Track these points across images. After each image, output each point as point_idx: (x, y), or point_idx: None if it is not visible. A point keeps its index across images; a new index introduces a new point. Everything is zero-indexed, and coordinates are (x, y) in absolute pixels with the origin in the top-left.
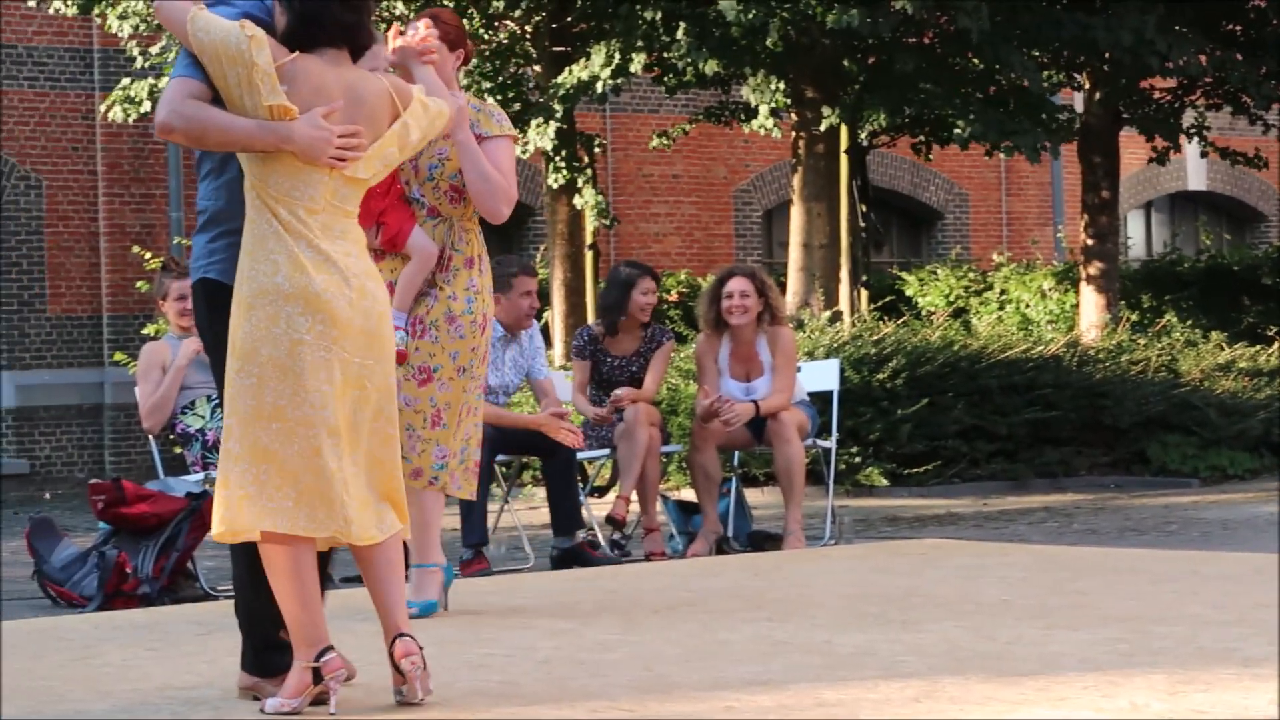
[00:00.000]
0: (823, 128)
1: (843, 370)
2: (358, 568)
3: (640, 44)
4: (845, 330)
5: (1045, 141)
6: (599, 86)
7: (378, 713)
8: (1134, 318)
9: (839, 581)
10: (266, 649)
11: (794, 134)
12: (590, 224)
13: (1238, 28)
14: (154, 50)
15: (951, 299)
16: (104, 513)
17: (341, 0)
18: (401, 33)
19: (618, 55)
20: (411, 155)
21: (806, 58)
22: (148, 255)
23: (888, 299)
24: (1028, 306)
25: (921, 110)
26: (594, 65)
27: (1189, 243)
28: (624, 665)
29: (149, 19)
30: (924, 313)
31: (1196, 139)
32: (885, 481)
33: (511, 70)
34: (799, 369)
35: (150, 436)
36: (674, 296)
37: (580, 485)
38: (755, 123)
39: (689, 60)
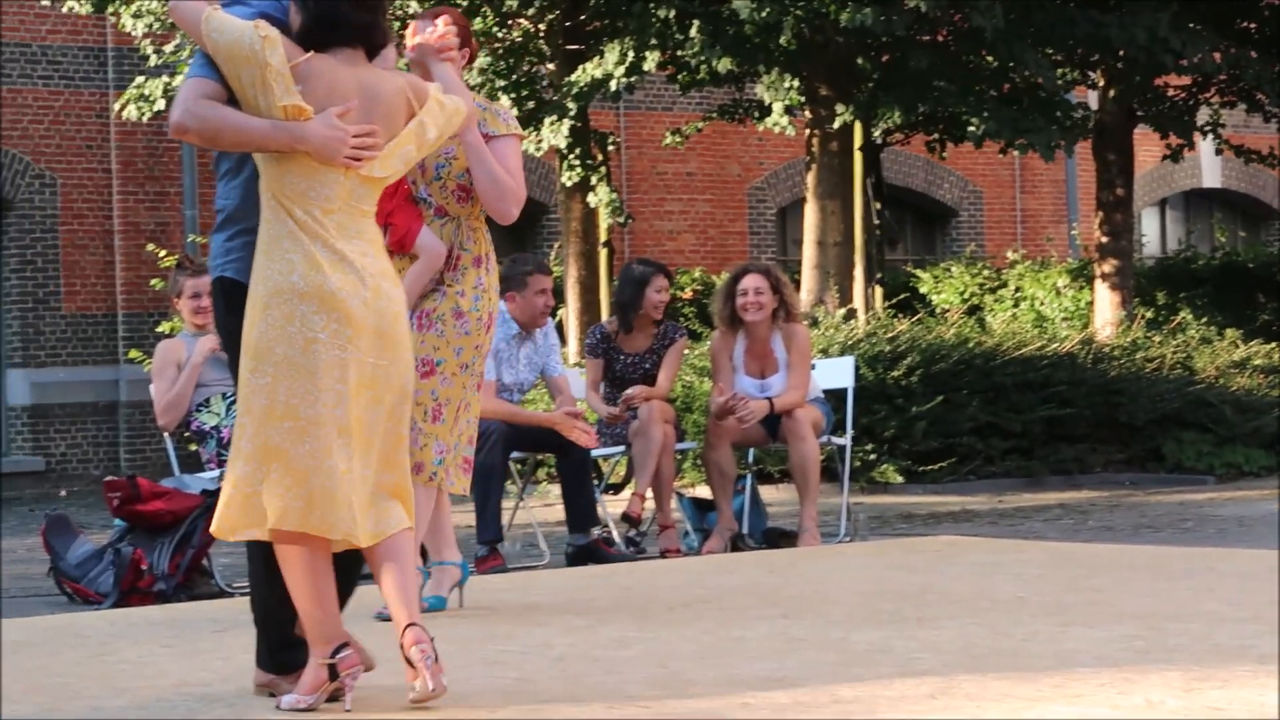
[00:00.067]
0: (837, 125)
1: (857, 367)
2: (368, 565)
3: (654, 42)
4: (860, 328)
5: (1059, 139)
6: (613, 84)
7: (393, 710)
8: (1149, 315)
9: (854, 578)
10: (282, 646)
11: (808, 132)
12: (604, 222)
13: (1252, 25)
14: (168, 49)
15: (966, 296)
16: (119, 510)
17: (356, 0)
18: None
19: (631, 53)
20: (429, 153)
21: (820, 55)
22: (162, 253)
23: (902, 296)
24: (1042, 304)
25: (935, 108)
26: (608, 63)
27: (1204, 240)
28: (639, 662)
29: (163, 17)
30: (938, 310)
31: (1211, 136)
32: (900, 478)
33: (525, 68)
34: (814, 366)
35: (165, 434)
36: (688, 294)
37: (595, 482)
38: (769, 120)
39: (703, 58)
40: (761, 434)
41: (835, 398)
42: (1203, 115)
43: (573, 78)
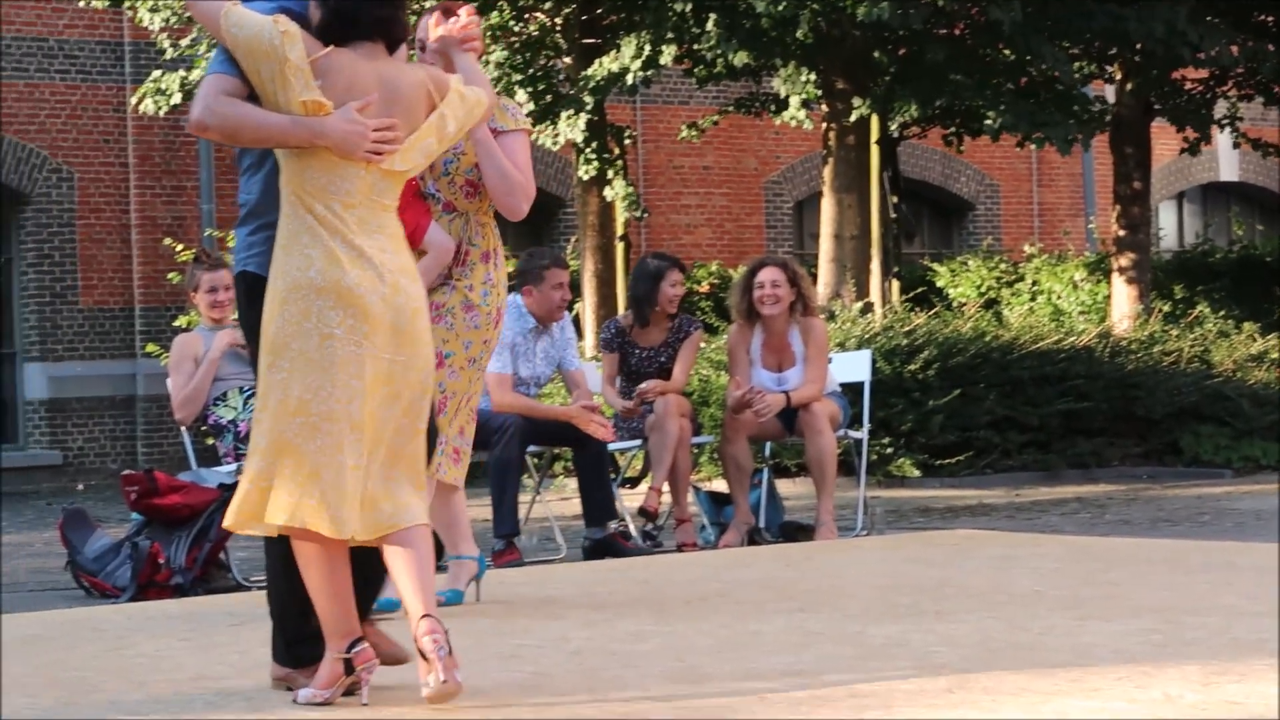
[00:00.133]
0: (853, 119)
1: (874, 361)
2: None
3: (670, 36)
4: (876, 321)
5: (1077, 133)
6: (629, 78)
7: (409, 704)
8: (1166, 308)
9: (871, 572)
10: (298, 640)
11: (825, 125)
12: (621, 216)
13: (1269, 19)
14: (184, 42)
15: (983, 290)
16: (137, 504)
17: None
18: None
19: (648, 47)
20: (450, 146)
21: (837, 49)
22: (179, 247)
23: (919, 290)
24: (1059, 297)
25: (952, 101)
26: (624, 57)
27: (1221, 233)
28: (656, 656)
29: (179, 11)
30: (955, 304)
31: (1228, 130)
32: (917, 472)
33: (542, 62)
34: (830, 360)
35: (182, 428)
36: (705, 288)
37: (612, 476)
38: (786, 114)
39: (719, 52)
40: (778, 428)
41: (852, 391)
42: (1220, 108)
43: (589, 72)
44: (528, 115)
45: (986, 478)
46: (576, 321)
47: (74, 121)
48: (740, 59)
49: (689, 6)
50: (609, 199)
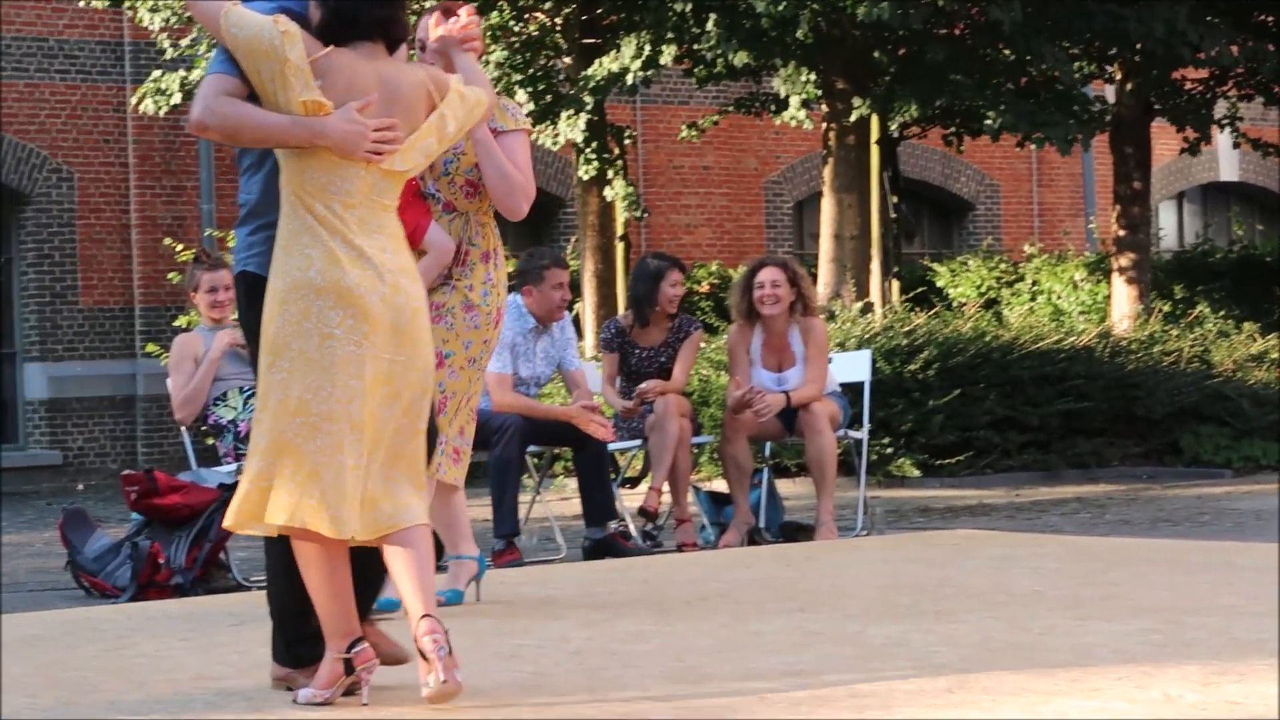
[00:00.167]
0: (853, 119)
1: (874, 361)
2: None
3: (670, 36)
4: (876, 321)
5: (1077, 133)
6: (629, 78)
7: (409, 704)
8: (1166, 308)
9: (871, 572)
10: (298, 640)
11: (825, 125)
12: (621, 216)
13: (1269, 19)
14: (184, 42)
15: (983, 290)
16: (137, 504)
17: None
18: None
19: (648, 47)
20: (450, 146)
21: (837, 49)
22: (179, 247)
23: (919, 290)
24: (1059, 297)
25: (952, 101)
26: (624, 57)
27: (1221, 233)
28: (656, 656)
29: (179, 11)
30: (955, 304)
31: (1228, 130)
32: (917, 472)
33: (542, 62)
34: (830, 360)
35: (182, 428)
36: (705, 288)
37: (612, 476)
38: (786, 114)
39: (719, 52)
40: (778, 428)
41: (852, 391)
42: (1220, 108)
43: (589, 72)
44: (528, 115)
45: (986, 478)
46: (576, 321)
47: (74, 121)
48: (740, 59)
49: (689, 6)
50: (609, 199)
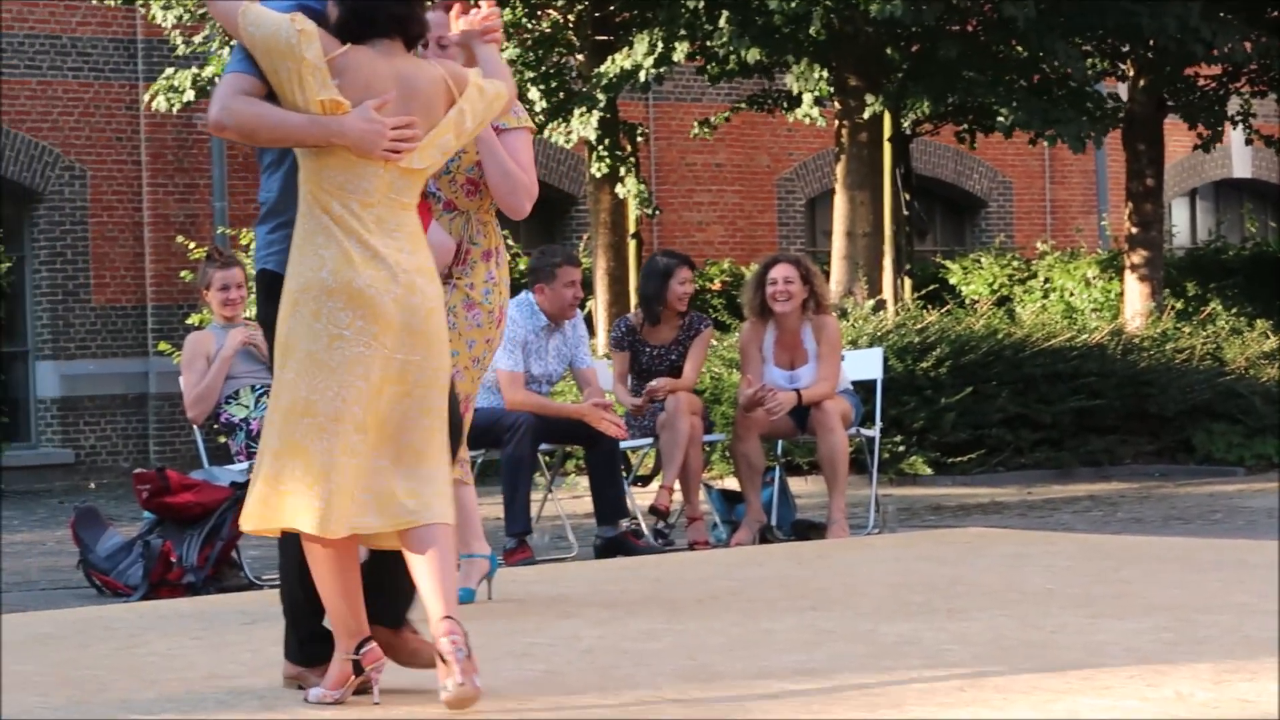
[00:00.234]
0: (866, 116)
1: (886, 359)
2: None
3: (683, 32)
4: (889, 319)
5: (1089, 131)
6: (642, 75)
7: (421, 701)
8: (1178, 306)
9: (883, 570)
10: (311, 639)
11: (837, 122)
12: (633, 213)
13: None
14: (197, 39)
15: (995, 287)
16: (149, 502)
17: None
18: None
19: (660, 44)
20: (469, 141)
21: (850, 46)
22: (191, 245)
23: (931, 287)
24: (1072, 295)
25: (965, 98)
26: (637, 54)
27: (1234, 230)
28: (668, 654)
29: (192, 8)
30: (968, 301)
31: (1241, 126)
32: (929, 470)
33: (554, 59)
34: (843, 358)
35: (195, 426)
36: (717, 285)
37: (624, 474)
38: (799, 111)
39: (732, 49)
40: (790, 426)
41: (864, 389)
42: (1233, 105)
43: (602, 69)
44: (540, 113)
45: (998, 475)
46: (589, 319)
47: (87, 119)
48: (753, 56)
49: (702, 3)
50: (621, 196)
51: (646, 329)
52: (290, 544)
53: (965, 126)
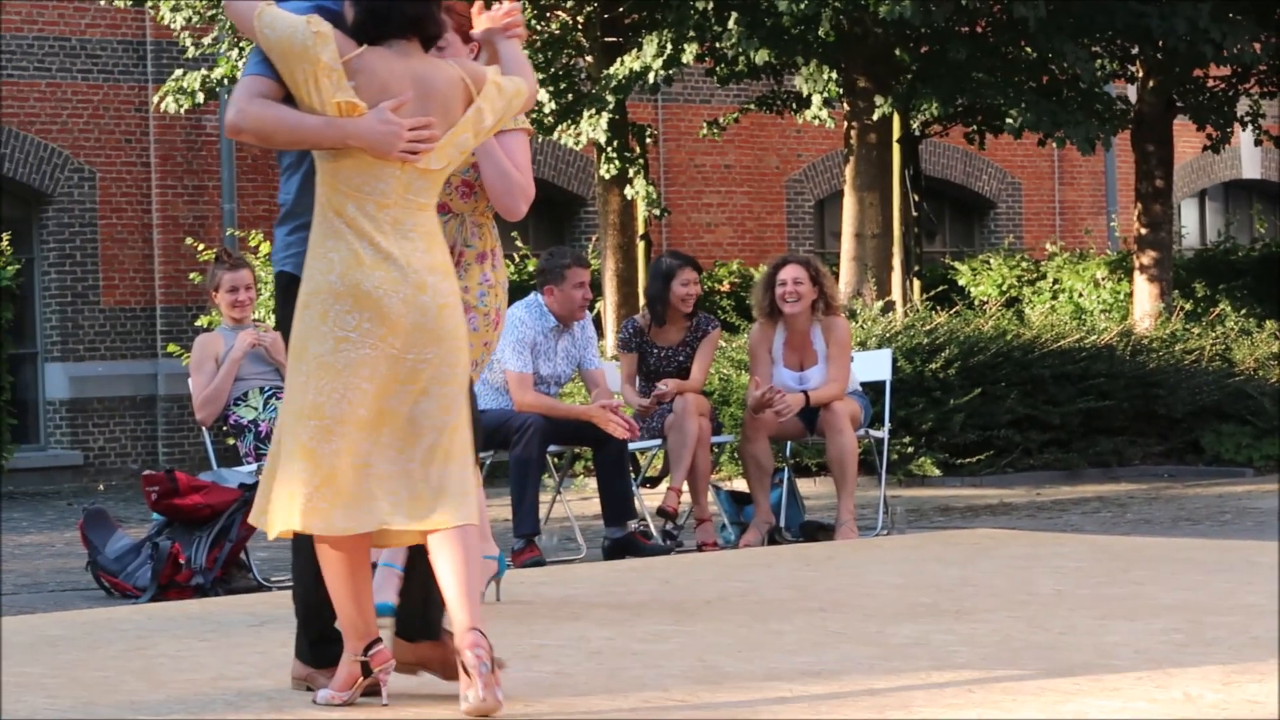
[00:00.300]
0: (875, 117)
1: (895, 360)
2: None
3: (692, 34)
4: (897, 320)
5: (1098, 132)
6: (651, 77)
7: (430, 703)
8: (1188, 307)
9: (891, 572)
10: (322, 640)
11: (846, 124)
12: (642, 214)
13: None
14: (206, 41)
15: (1004, 288)
16: (157, 504)
17: None
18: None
19: (669, 46)
20: (486, 139)
21: (859, 47)
22: (200, 247)
23: (940, 289)
24: (1081, 296)
25: (974, 99)
26: (646, 56)
27: (1243, 231)
28: (676, 655)
29: (201, 10)
30: (976, 302)
31: (1251, 127)
32: (938, 471)
33: (563, 61)
34: (851, 359)
35: (203, 428)
36: (725, 287)
37: (632, 476)
38: (808, 113)
39: (740, 50)
40: (799, 427)
41: (873, 390)
42: (1242, 106)
43: (611, 70)
44: (549, 114)
45: (1007, 477)
46: (597, 321)
47: (96, 121)
48: (762, 57)
49: (710, 5)
50: (630, 198)
51: (654, 330)
52: (305, 545)
53: (974, 128)
